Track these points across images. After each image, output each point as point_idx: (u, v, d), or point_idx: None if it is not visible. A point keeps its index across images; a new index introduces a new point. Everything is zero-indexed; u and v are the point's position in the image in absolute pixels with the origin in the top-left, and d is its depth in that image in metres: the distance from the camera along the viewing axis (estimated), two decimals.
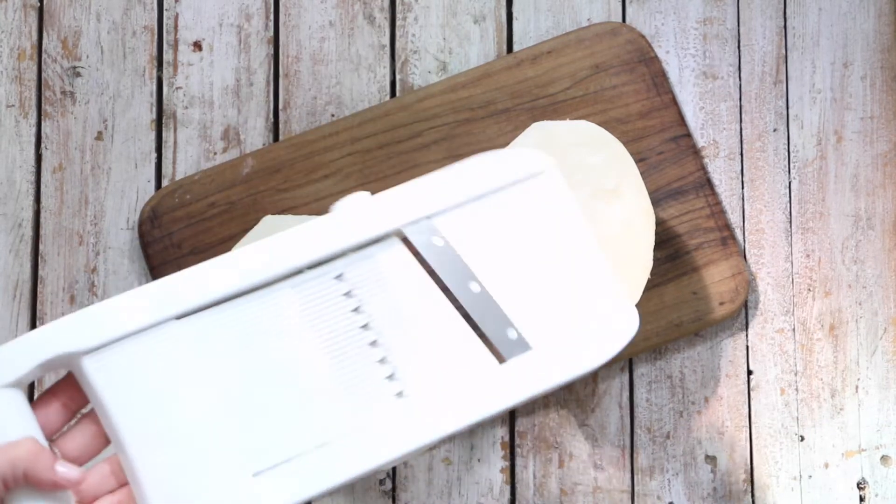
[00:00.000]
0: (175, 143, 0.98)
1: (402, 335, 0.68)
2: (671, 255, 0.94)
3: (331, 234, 0.69)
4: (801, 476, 0.95)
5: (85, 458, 0.65)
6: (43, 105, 0.97)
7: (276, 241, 0.68)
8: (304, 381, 0.66)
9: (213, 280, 0.66)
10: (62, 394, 0.65)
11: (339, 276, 0.68)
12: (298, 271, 0.68)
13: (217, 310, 0.66)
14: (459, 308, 0.70)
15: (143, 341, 0.65)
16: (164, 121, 0.98)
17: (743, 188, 0.97)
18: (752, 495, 0.95)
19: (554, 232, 0.72)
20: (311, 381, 0.66)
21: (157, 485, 0.63)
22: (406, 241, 0.70)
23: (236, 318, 0.66)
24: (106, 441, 0.65)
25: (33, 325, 0.96)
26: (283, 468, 0.65)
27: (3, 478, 0.60)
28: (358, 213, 0.70)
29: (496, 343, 0.70)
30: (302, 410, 0.66)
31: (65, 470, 0.61)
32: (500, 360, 0.69)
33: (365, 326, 0.68)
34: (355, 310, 0.68)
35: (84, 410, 0.66)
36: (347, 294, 0.68)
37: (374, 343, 0.68)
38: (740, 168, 0.97)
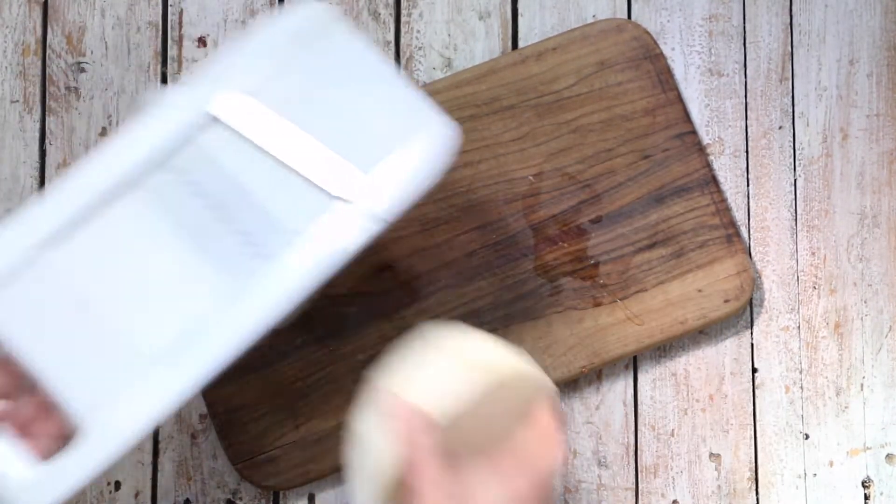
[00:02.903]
0: None
1: (248, 205, 0.73)
2: (676, 252, 0.94)
3: (154, 134, 0.73)
4: (805, 474, 0.95)
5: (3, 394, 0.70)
6: (47, 101, 0.97)
7: (108, 155, 0.72)
8: (176, 276, 0.72)
9: (68, 202, 0.71)
10: None
11: (173, 169, 0.73)
12: (136, 177, 0.72)
13: (79, 229, 0.71)
14: (288, 168, 0.74)
15: (23, 277, 0.70)
16: None
17: (748, 185, 0.97)
18: (757, 493, 0.95)
19: (359, 74, 0.76)
20: (181, 273, 0.72)
21: (73, 394, 0.69)
22: (222, 120, 0.74)
23: (101, 234, 0.71)
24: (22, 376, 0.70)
25: None
26: (183, 354, 0.71)
27: None
28: (172, 106, 0.74)
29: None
30: (182, 304, 0.71)
31: None
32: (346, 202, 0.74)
33: (211, 207, 0.73)
34: (197, 195, 0.73)
35: None
36: (187, 183, 0.73)
37: (223, 219, 0.73)
38: (745, 165, 0.97)
